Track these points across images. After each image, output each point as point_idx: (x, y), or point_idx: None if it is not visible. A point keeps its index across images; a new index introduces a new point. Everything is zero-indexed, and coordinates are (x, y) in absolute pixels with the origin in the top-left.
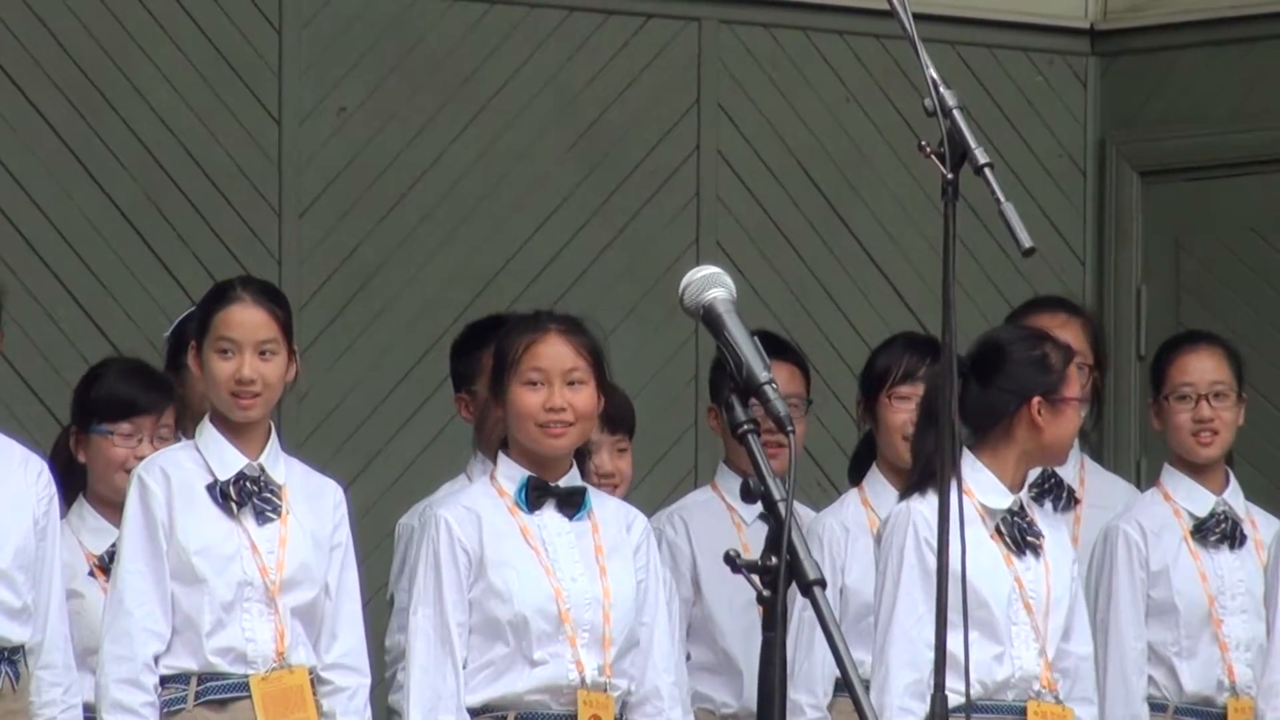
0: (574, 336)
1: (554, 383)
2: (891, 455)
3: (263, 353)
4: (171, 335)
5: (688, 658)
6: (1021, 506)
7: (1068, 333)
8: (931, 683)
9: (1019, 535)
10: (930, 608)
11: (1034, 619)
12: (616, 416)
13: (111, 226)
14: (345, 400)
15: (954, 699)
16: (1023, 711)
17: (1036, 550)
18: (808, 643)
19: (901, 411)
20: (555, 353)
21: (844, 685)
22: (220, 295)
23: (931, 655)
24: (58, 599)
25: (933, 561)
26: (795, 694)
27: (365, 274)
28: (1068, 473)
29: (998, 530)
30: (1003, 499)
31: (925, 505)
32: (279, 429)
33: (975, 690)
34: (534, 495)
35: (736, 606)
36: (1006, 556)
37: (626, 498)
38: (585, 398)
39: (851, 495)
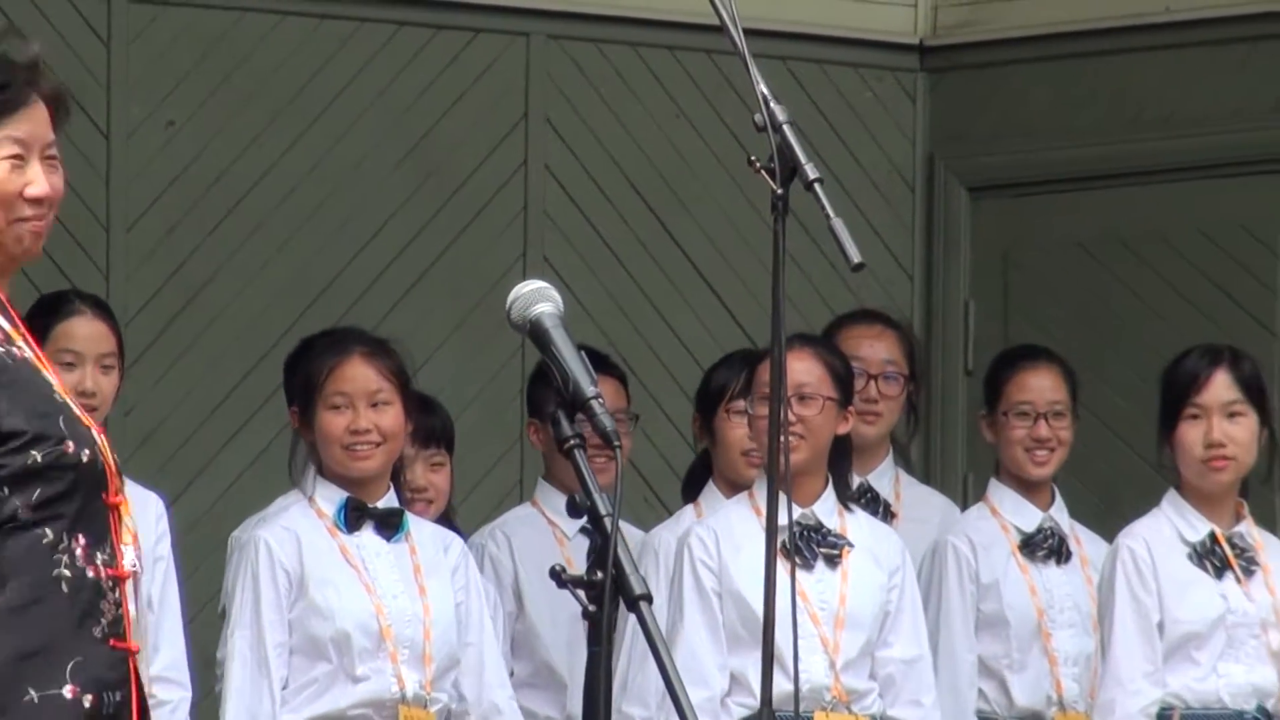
0: (377, 358)
1: (358, 405)
2: (729, 471)
3: (104, 366)
4: None
5: (511, 673)
6: (818, 519)
7: (882, 344)
8: (722, 698)
9: (810, 547)
10: (710, 626)
11: (822, 631)
12: (430, 431)
13: None
14: (173, 414)
15: (742, 712)
16: None
17: (833, 561)
18: (641, 656)
19: (739, 427)
20: (359, 375)
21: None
22: (58, 307)
23: (719, 675)
24: None
25: (709, 581)
26: (629, 707)
27: (193, 288)
28: (883, 486)
29: (783, 545)
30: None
31: (702, 527)
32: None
33: (754, 704)
34: (353, 516)
35: (559, 620)
36: (790, 570)
37: (452, 511)
38: (391, 418)
39: (688, 511)
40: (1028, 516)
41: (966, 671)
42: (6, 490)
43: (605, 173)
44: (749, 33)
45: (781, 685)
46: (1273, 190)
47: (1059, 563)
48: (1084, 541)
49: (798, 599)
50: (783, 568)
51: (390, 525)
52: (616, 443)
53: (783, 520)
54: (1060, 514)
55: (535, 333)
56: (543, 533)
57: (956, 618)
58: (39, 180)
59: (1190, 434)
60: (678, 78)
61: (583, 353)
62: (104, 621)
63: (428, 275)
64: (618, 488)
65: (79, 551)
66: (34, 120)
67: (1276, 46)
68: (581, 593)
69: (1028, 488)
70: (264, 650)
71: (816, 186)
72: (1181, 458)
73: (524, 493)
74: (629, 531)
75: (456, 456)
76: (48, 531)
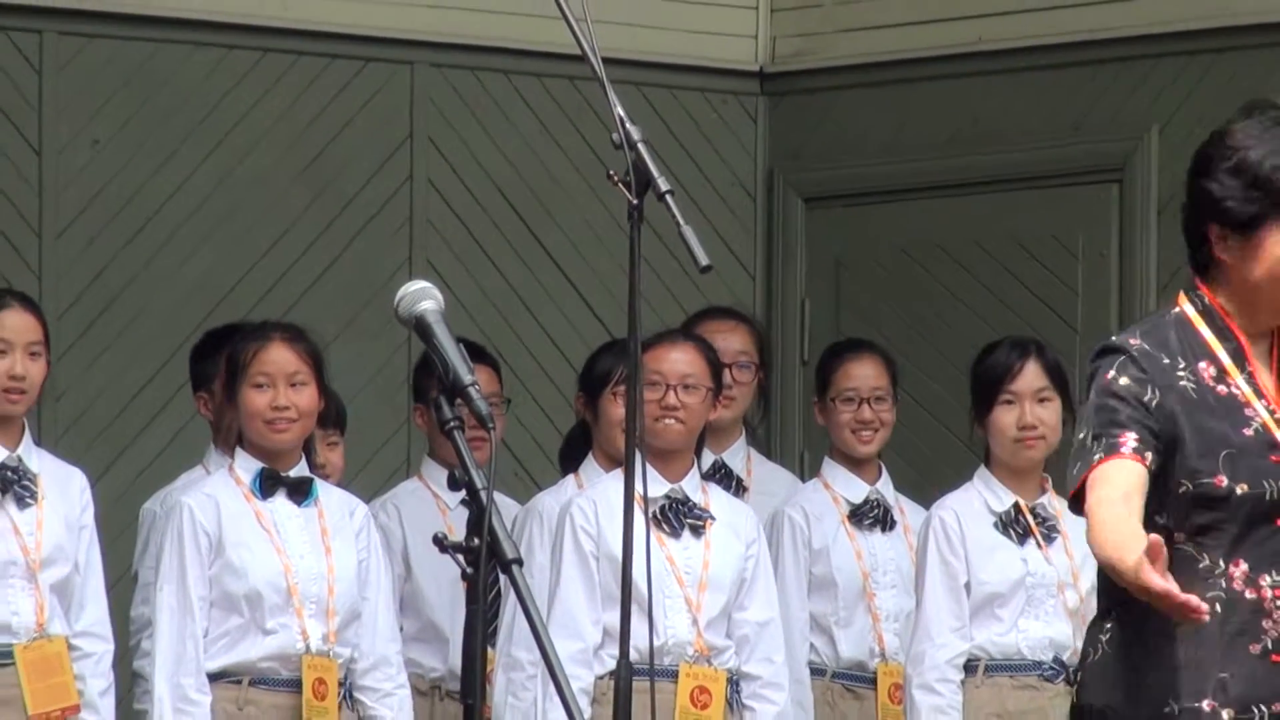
0: (296, 343)
1: (279, 384)
2: (609, 446)
3: (31, 353)
4: None
5: (400, 629)
6: (685, 494)
7: (735, 336)
8: (595, 649)
9: (678, 518)
10: (588, 585)
11: (686, 592)
12: (327, 415)
13: None
14: (97, 400)
15: (613, 663)
16: (675, 674)
17: (698, 531)
18: None
19: (622, 408)
20: (279, 358)
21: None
22: None
23: (593, 630)
24: None
25: (588, 545)
26: (515, 650)
27: (116, 288)
28: (736, 464)
29: (654, 515)
30: (659, 487)
31: (583, 498)
32: (38, 425)
33: (630, 657)
34: (267, 484)
35: (442, 582)
36: (659, 538)
37: (346, 486)
38: (307, 397)
39: (569, 481)
40: (856, 490)
41: (799, 627)
42: (1165, 517)
43: (481, 186)
44: (607, 61)
45: (648, 639)
46: (1074, 202)
47: (884, 530)
48: (907, 510)
49: (665, 564)
50: (651, 535)
51: (301, 491)
52: (491, 424)
53: (654, 493)
54: (886, 487)
55: (419, 327)
56: (428, 504)
57: (790, 579)
58: None
59: (1004, 417)
60: (545, 102)
61: (461, 344)
62: (1266, 640)
63: (323, 278)
64: (492, 463)
65: (1236, 574)
66: None
67: (1075, 74)
68: (460, 557)
69: (856, 464)
70: (189, 603)
71: (668, 198)
72: (996, 438)
73: (410, 469)
74: (502, 502)
75: (352, 437)
76: (1205, 556)
